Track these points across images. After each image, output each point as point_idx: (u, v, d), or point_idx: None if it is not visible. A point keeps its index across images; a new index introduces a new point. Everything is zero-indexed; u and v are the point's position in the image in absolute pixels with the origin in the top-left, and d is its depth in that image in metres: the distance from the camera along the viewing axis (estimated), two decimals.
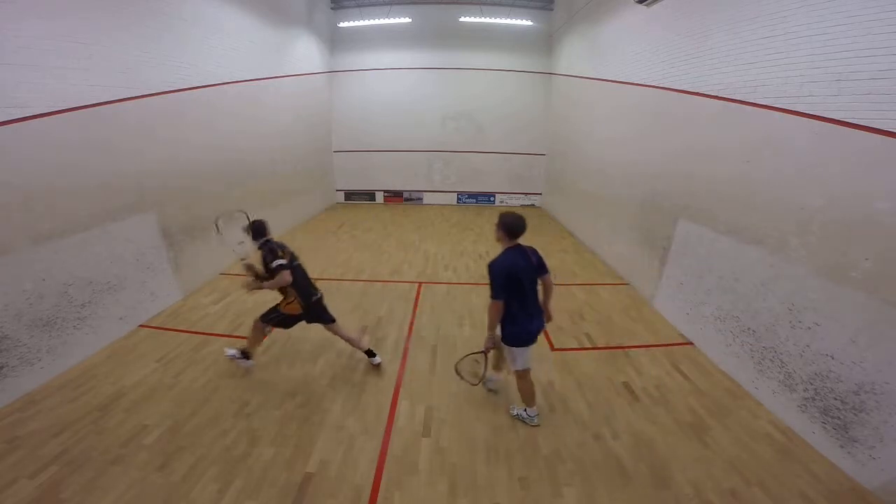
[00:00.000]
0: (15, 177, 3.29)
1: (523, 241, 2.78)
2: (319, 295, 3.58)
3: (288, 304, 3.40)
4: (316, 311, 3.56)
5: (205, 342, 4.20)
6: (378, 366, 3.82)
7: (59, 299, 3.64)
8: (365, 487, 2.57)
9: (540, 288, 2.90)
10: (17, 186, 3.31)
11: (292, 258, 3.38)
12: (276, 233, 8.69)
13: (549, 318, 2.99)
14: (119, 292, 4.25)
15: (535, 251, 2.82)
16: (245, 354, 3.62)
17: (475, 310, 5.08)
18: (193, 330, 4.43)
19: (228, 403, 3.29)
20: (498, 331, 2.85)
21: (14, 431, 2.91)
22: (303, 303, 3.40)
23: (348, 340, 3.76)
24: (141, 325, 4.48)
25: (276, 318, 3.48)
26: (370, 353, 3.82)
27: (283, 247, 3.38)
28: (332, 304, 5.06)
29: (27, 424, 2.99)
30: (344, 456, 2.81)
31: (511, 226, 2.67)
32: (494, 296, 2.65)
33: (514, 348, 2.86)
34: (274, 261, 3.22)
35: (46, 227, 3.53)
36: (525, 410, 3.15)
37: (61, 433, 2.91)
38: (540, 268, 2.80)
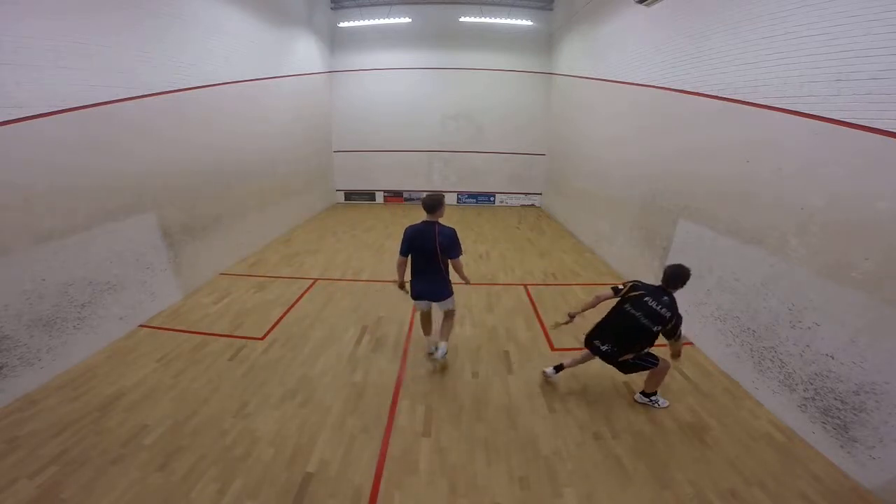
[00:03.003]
0: (15, 177, 3.28)
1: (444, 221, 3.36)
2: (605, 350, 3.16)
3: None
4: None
5: (205, 342, 4.20)
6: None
7: (59, 299, 3.64)
8: (365, 487, 2.57)
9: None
10: (17, 186, 3.30)
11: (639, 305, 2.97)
12: (276, 232, 8.75)
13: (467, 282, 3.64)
14: (119, 292, 4.25)
15: (447, 231, 3.30)
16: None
17: (475, 309, 5.08)
18: (193, 330, 4.43)
19: (228, 403, 3.29)
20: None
21: (14, 431, 2.91)
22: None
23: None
24: (141, 325, 4.48)
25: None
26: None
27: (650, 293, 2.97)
28: (334, 305, 5.11)
29: (27, 424, 2.99)
30: (344, 456, 2.80)
31: (424, 203, 3.31)
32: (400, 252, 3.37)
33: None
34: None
35: (46, 227, 3.53)
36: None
37: (61, 433, 2.91)
38: (445, 248, 3.28)
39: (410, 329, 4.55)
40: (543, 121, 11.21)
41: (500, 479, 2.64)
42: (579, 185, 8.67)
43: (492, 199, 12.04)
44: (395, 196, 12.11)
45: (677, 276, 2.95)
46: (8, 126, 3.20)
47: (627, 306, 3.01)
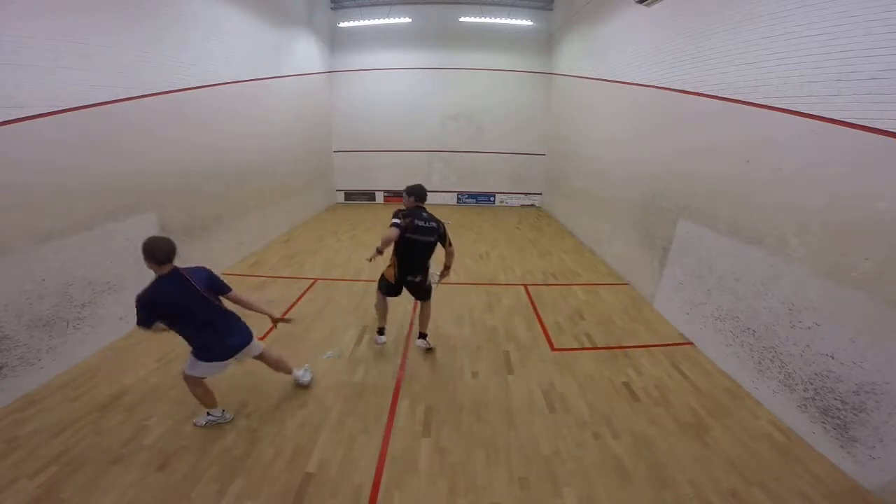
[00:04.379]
0: (15, 177, 3.28)
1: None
2: (417, 279, 3.68)
3: (388, 266, 3.66)
4: (408, 286, 3.74)
5: None
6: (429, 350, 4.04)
7: (59, 299, 3.64)
8: (365, 487, 2.57)
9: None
10: (17, 186, 3.30)
11: (415, 229, 3.43)
12: (276, 232, 8.72)
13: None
14: (119, 292, 4.25)
15: (199, 271, 2.62)
16: (379, 330, 4.03)
17: (475, 309, 5.08)
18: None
19: (228, 403, 3.29)
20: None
21: (14, 431, 2.91)
22: (397, 274, 3.61)
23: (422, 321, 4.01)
24: None
25: (381, 281, 3.77)
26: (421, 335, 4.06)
27: (413, 214, 3.46)
28: (333, 304, 5.11)
29: (27, 424, 2.99)
30: (344, 456, 2.81)
31: (170, 251, 2.46)
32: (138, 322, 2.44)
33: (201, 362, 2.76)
34: (392, 219, 3.39)
35: (46, 227, 3.52)
36: (209, 413, 3.01)
37: (61, 433, 2.91)
38: (210, 287, 2.65)
39: (410, 329, 4.55)
40: (543, 121, 11.21)
41: (500, 479, 2.64)
42: (579, 185, 8.67)
43: (492, 199, 12.04)
44: (395, 196, 12.11)
45: (423, 192, 3.59)
46: (8, 126, 3.19)
47: (411, 235, 3.42)
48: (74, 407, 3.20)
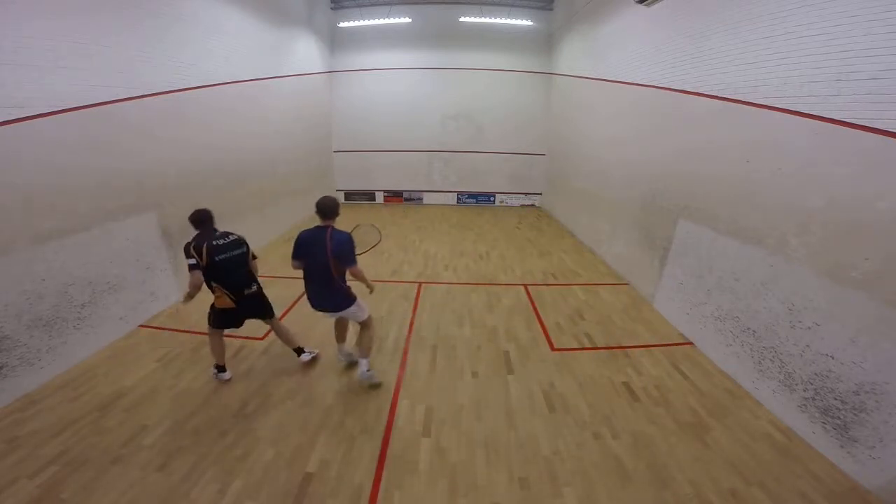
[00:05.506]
0: (15, 177, 3.28)
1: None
2: (254, 289, 3.46)
3: (217, 297, 3.33)
4: (249, 304, 3.43)
5: (205, 342, 4.17)
6: (311, 361, 3.84)
7: (59, 299, 3.64)
8: (365, 487, 2.57)
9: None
10: (17, 186, 3.30)
11: (216, 250, 3.18)
12: (276, 232, 8.68)
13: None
14: (119, 292, 4.25)
15: (338, 236, 3.08)
16: (219, 368, 3.59)
17: (475, 309, 5.08)
18: (193, 330, 4.42)
19: (228, 403, 3.30)
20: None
21: (14, 431, 2.91)
22: (232, 296, 3.31)
23: (284, 338, 3.78)
24: (141, 325, 4.48)
25: (212, 317, 3.42)
26: (299, 351, 3.84)
27: (203, 242, 3.16)
28: None
29: (27, 424, 2.99)
30: (344, 456, 2.81)
31: (318, 206, 3.12)
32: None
33: None
34: (187, 260, 3.16)
35: (46, 227, 3.53)
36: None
37: (61, 433, 2.91)
38: (338, 255, 3.06)
39: (410, 329, 4.55)
40: (543, 121, 11.21)
41: (500, 479, 2.64)
42: (579, 185, 8.67)
43: (492, 199, 12.04)
44: (395, 196, 12.11)
45: (199, 217, 3.35)
46: (8, 126, 3.20)
47: (218, 257, 3.19)
48: (74, 407, 3.20)
